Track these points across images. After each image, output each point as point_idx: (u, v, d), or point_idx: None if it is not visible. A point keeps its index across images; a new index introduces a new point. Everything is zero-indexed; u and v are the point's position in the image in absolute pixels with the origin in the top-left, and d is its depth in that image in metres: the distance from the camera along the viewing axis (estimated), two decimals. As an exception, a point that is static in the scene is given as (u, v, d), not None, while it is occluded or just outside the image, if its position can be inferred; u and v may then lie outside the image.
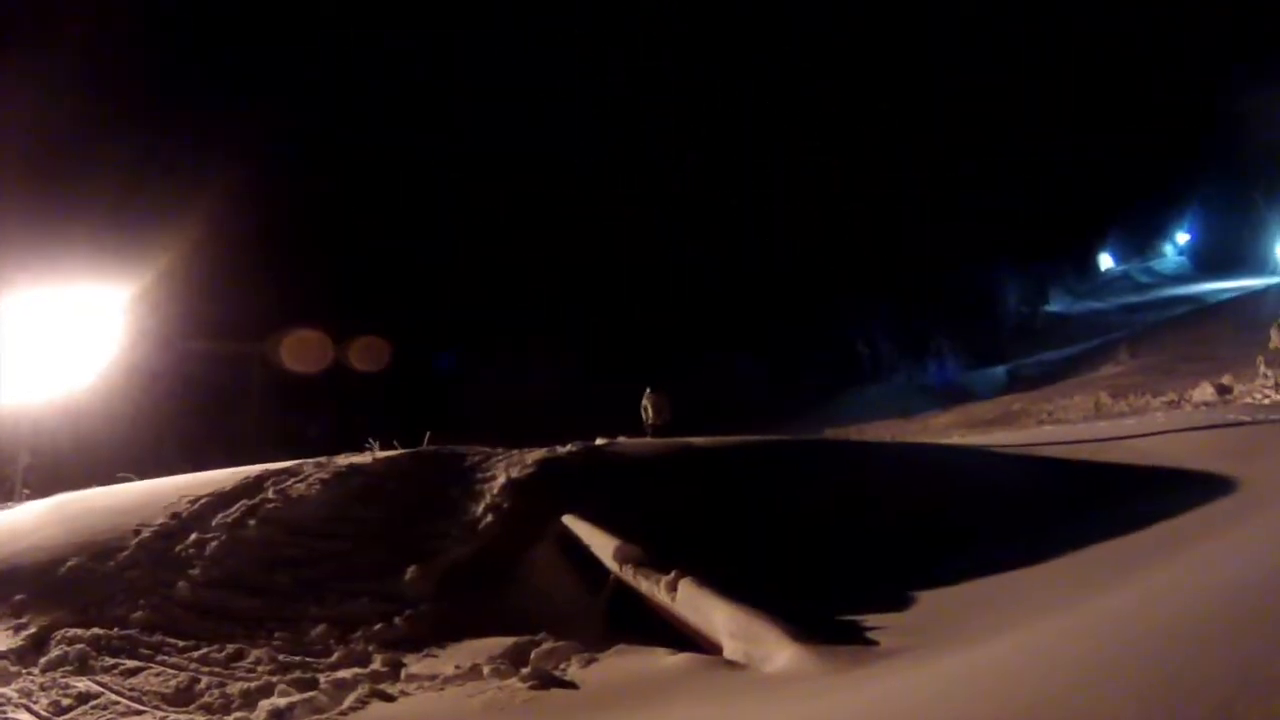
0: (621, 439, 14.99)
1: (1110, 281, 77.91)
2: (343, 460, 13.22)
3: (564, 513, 9.91)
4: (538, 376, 43.94)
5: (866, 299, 59.69)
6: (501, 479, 11.61)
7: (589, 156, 57.78)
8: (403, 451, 14.34)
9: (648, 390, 21.51)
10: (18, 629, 8.23)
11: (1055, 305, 71.42)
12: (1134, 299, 67.15)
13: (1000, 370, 53.27)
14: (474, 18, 60.31)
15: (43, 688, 6.83)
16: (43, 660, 7.43)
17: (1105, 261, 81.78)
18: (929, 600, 6.90)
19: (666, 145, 59.74)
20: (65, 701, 6.52)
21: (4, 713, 6.33)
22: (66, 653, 7.52)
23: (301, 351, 38.37)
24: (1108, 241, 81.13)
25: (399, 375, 42.47)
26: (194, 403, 35.47)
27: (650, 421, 20.97)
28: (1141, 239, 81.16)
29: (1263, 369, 20.21)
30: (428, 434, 16.03)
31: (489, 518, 10.44)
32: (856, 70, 61.90)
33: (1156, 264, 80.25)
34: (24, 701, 6.53)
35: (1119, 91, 64.33)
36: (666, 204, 56.97)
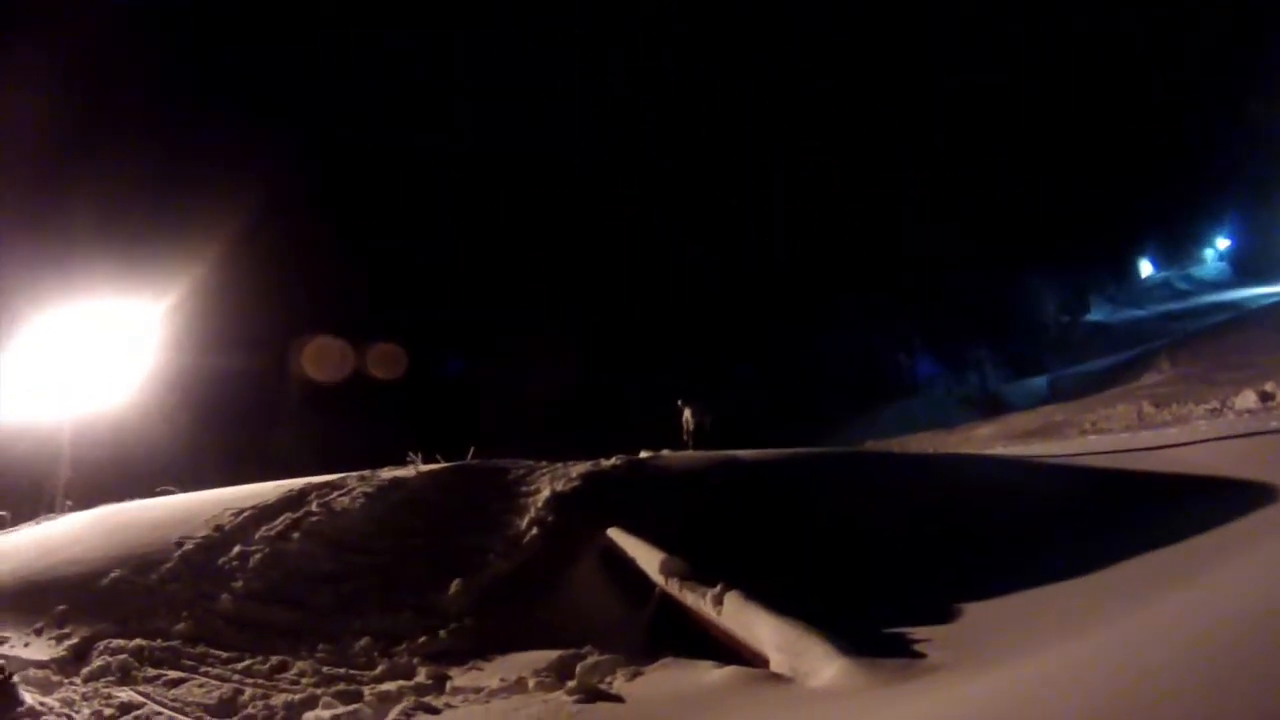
0: (665, 452, 14.94)
1: (1150, 289, 77.15)
2: (386, 474, 13.23)
3: (608, 526, 9.90)
4: (540, 378, 43.73)
5: (905, 309, 59.29)
6: (545, 492, 11.63)
7: (590, 157, 57.55)
8: (445, 465, 14.38)
9: (680, 402, 21.49)
10: (60, 639, 8.26)
11: (1095, 314, 70.76)
12: (1174, 306, 66.55)
13: (1041, 381, 52.83)
14: (477, 19, 59.87)
15: (84, 698, 6.81)
16: (85, 670, 7.42)
17: (1145, 269, 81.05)
18: (974, 613, 6.77)
19: (672, 145, 59.45)
20: (107, 712, 6.50)
21: None
22: (109, 663, 7.51)
23: (326, 360, 38.51)
24: (1147, 248, 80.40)
25: (413, 381, 42.39)
26: (231, 416, 35.60)
27: (690, 432, 20.79)
28: (1181, 245, 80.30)
29: (1305, 375, 19.95)
30: (471, 448, 16.02)
31: (533, 531, 10.43)
32: (884, 71, 61.30)
33: (1196, 270, 79.45)
34: (66, 711, 6.50)
35: (1157, 96, 63.57)
36: (681, 207, 56.72)
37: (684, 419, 21.18)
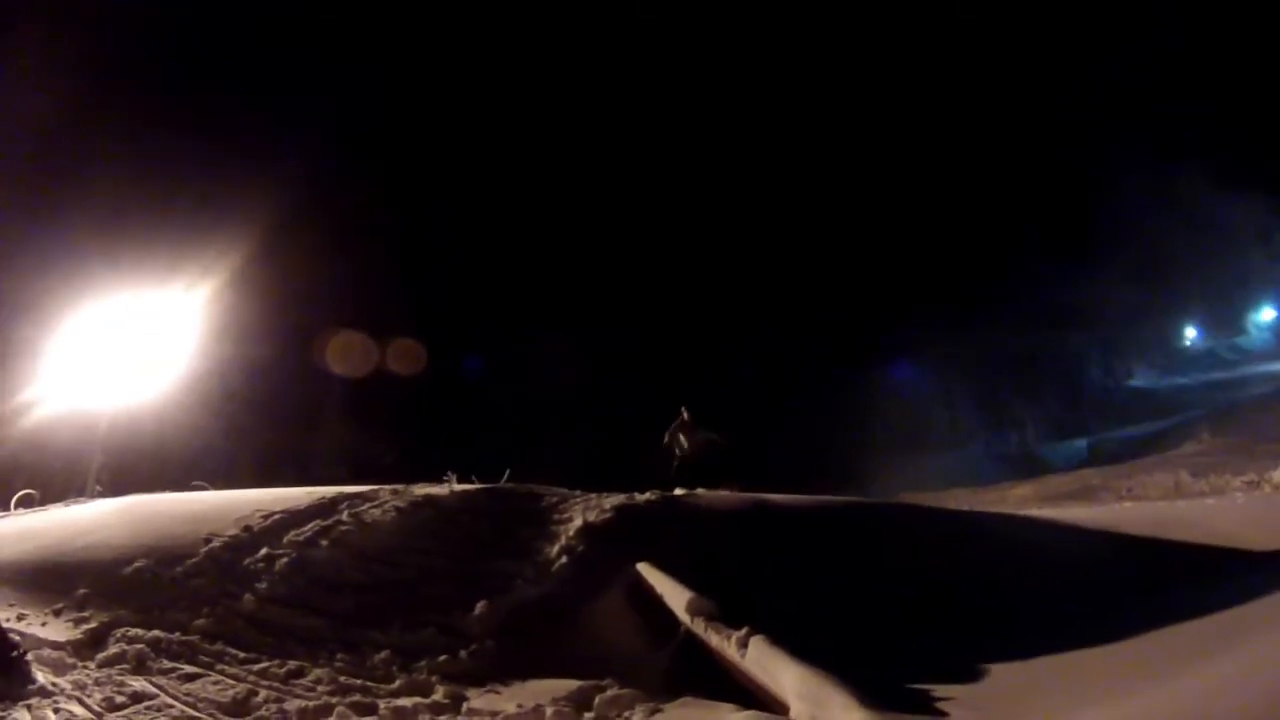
0: (700, 491, 14.83)
1: (1195, 357, 76.37)
2: (419, 491, 13.16)
3: (638, 560, 9.80)
4: (550, 377, 43.36)
5: (948, 361, 58.91)
6: (578, 522, 11.54)
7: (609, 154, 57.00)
8: (479, 487, 14.30)
9: (685, 414, 17.72)
10: (77, 622, 8.23)
11: (1138, 379, 70.13)
12: (1218, 375, 65.62)
13: (1081, 443, 52.29)
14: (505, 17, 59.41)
15: (97, 683, 6.79)
16: (99, 656, 7.40)
17: (1190, 335, 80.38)
18: (1000, 674, 6.63)
19: (724, 164, 58.87)
20: (119, 699, 6.47)
21: (56, 704, 6.29)
22: (124, 651, 7.47)
23: (360, 357, 38.43)
24: (1193, 315, 79.75)
25: (437, 380, 42.18)
26: (268, 414, 35.69)
27: (681, 459, 17.25)
28: (1227, 315, 79.63)
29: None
30: (507, 471, 15.98)
31: (562, 559, 10.35)
32: (939, 115, 60.75)
33: (1243, 340, 78.78)
34: (77, 694, 6.49)
35: (1209, 169, 62.95)
36: (721, 233, 56.30)
37: (679, 440, 17.67)
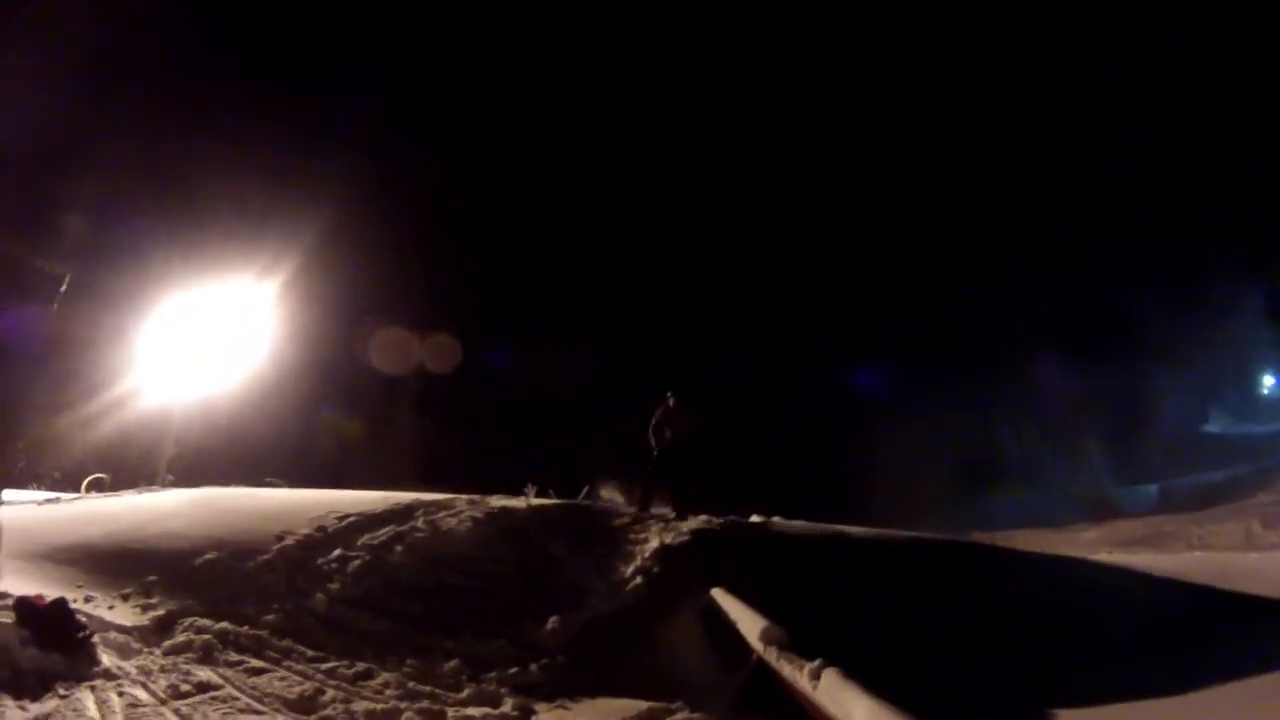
0: (776, 519, 14.59)
1: (1271, 405, 74.92)
2: (496, 501, 13.22)
3: (711, 585, 9.76)
4: (566, 371, 43.02)
5: (1023, 399, 58.26)
6: (654, 543, 11.61)
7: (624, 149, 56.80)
8: (557, 502, 14.39)
9: (668, 404, 15.26)
10: (145, 608, 8.13)
11: (1212, 424, 68.88)
12: (1294, 424, 64.64)
13: (1153, 488, 51.22)
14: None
15: (162, 670, 6.67)
16: (166, 643, 7.27)
17: (1267, 382, 78.79)
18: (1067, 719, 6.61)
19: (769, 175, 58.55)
20: (184, 687, 6.32)
21: (120, 687, 6.16)
22: (192, 640, 7.34)
23: (443, 355, 38.32)
24: (1271, 363, 78.20)
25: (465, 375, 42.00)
26: (341, 414, 35.93)
27: (664, 445, 15.00)
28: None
29: None
30: (585, 488, 15.84)
31: (637, 579, 10.34)
32: (1021, 148, 60.01)
33: (1321, 388, 77.25)
34: (142, 679, 6.37)
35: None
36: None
37: (664, 429, 15.20)
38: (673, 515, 13.91)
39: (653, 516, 13.76)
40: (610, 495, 20.15)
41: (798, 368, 52.41)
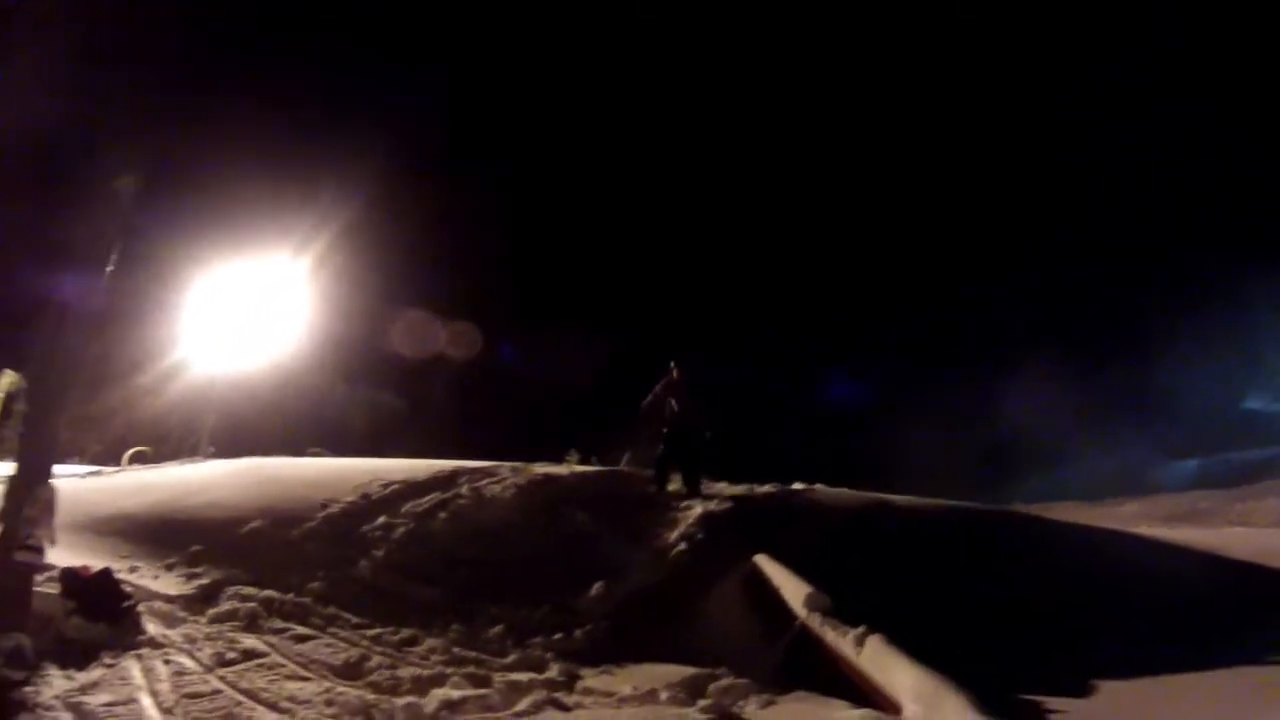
0: (819, 486, 14.39)
1: (1314, 382, 74.10)
2: (539, 469, 13.16)
3: (754, 552, 9.66)
4: (570, 362, 42.84)
5: (1065, 379, 57.70)
6: (698, 509, 11.47)
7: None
8: (600, 469, 14.36)
9: (671, 376, 13.61)
10: (190, 577, 8.21)
11: (1252, 401, 68.09)
12: (1335, 401, 63.92)
13: (1191, 464, 50.66)
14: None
15: (208, 637, 6.72)
16: (211, 611, 7.34)
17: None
18: (1110, 692, 6.47)
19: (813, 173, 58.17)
20: (229, 655, 6.36)
21: (166, 655, 6.18)
22: (236, 609, 7.40)
23: (465, 340, 38.34)
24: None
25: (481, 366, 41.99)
26: (380, 389, 36.04)
27: (669, 423, 13.41)
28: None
29: None
30: (627, 454, 15.72)
31: (681, 546, 10.24)
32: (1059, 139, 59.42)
33: (1363, 362, 76.15)
34: (188, 647, 6.40)
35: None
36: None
37: (669, 402, 13.62)
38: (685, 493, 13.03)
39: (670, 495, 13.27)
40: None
41: (798, 368, 52.06)
